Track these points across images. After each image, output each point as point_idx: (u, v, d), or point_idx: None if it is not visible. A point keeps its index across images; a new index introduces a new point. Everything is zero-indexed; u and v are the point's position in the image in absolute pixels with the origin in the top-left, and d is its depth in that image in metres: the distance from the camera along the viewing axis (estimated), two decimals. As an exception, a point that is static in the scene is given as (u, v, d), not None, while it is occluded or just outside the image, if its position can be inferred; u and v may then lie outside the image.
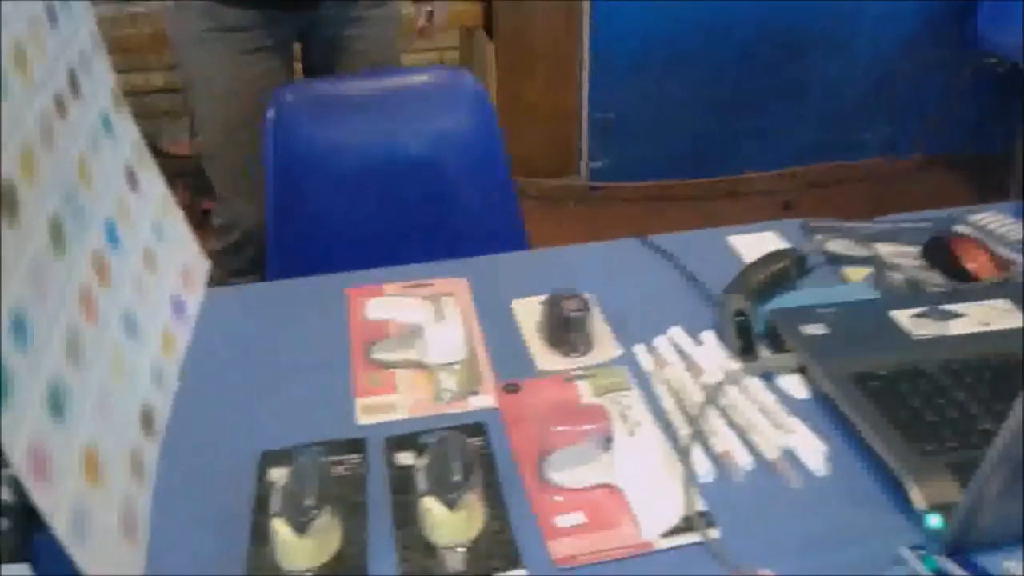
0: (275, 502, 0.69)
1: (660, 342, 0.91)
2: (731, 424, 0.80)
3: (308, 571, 0.67)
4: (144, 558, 0.68)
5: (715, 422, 0.80)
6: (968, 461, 0.71)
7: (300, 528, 0.66)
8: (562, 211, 2.77)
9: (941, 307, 0.91)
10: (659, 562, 0.69)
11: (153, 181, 0.95)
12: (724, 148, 2.84)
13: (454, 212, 1.37)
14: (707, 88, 2.74)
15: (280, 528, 0.67)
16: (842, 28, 2.70)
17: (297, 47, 1.64)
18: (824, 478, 0.76)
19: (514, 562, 0.68)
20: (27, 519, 0.65)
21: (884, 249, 1.06)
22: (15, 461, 0.54)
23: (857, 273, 1.02)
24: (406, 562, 0.68)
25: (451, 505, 0.68)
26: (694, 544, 0.69)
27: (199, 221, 1.41)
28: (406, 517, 0.71)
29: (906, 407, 0.78)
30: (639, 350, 0.91)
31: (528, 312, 0.96)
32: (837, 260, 1.05)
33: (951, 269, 1.00)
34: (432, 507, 0.69)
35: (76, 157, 0.75)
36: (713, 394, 0.82)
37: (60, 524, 0.57)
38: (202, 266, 1.03)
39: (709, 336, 0.91)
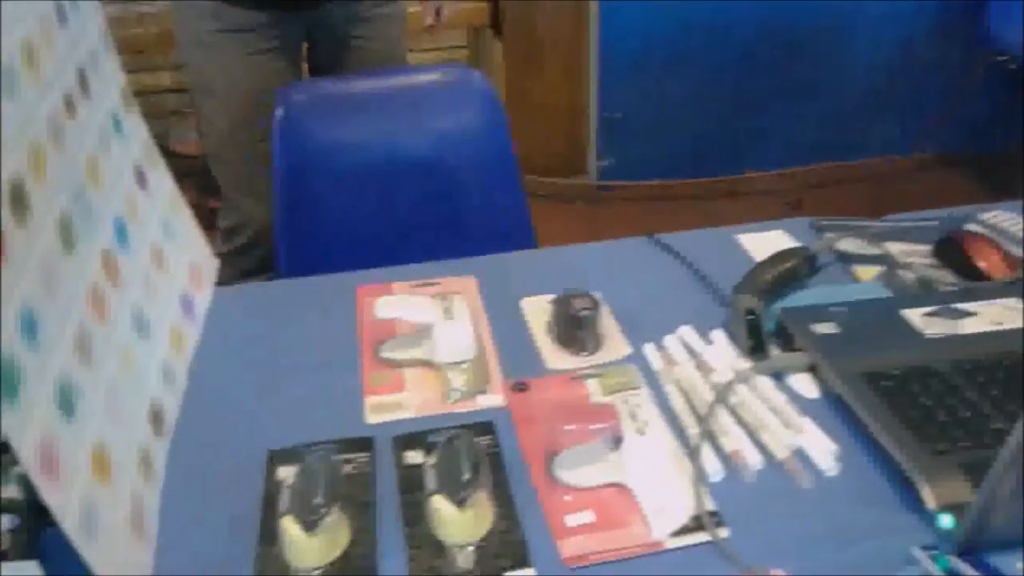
0: (284, 501, 0.70)
1: (670, 341, 0.91)
2: (741, 423, 0.80)
3: (316, 570, 0.67)
4: (152, 556, 0.68)
5: (725, 421, 0.80)
6: (980, 461, 0.70)
7: (309, 527, 0.66)
8: (570, 210, 2.77)
9: (953, 306, 0.91)
10: (668, 562, 0.68)
11: (162, 180, 0.95)
12: (731, 148, 2.83)
13: (462, 211, 1.37)
14: (714, 88, 2.73)
15: (289, 527, 0.67)
16: (850, 26, 2.69)
17: (303, 47, 1.64)
18: (834, 478, 0.75)
19: (523, 561, 0.67)
20: (36, 516, 0.65)
21: (895, 248, 1.05)
22: (25, 458, 0.54)
23: (868, 272, 1.02)
24: (415, 561, 0.68)
25: (460, 504, 0.68)
26: (703, 544, 0.69)
27: (207, 220, 1.41)
28: (415, 516, 0.71)
29: (917, 406, 0.77)
30: (648, 349, 0.90)
31: (537, 311, 0.96)
32: (847, 259, 1.05)
33: (962, 268, 1.00)
34: (441, 506, 0.68)
35: (85, 156, 0.75)
36: (723, 393, 0.82)
37: (69, 521, 0.57)
38: (211, 264, 1.03)
39: (719, 335, 0.91)
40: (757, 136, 2.81)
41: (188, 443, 0.79)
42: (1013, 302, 0.91)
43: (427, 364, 0.88)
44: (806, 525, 0.71)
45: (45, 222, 0.65)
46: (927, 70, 2.78)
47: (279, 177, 1.31)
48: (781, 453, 0.76)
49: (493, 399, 0.84)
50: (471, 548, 0.68)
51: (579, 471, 0.75)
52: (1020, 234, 1.05)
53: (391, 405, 0.84)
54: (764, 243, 1.06)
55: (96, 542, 0.59)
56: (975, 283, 0.97)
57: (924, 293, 0.97)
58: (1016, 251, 1.02)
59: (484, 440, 0.79)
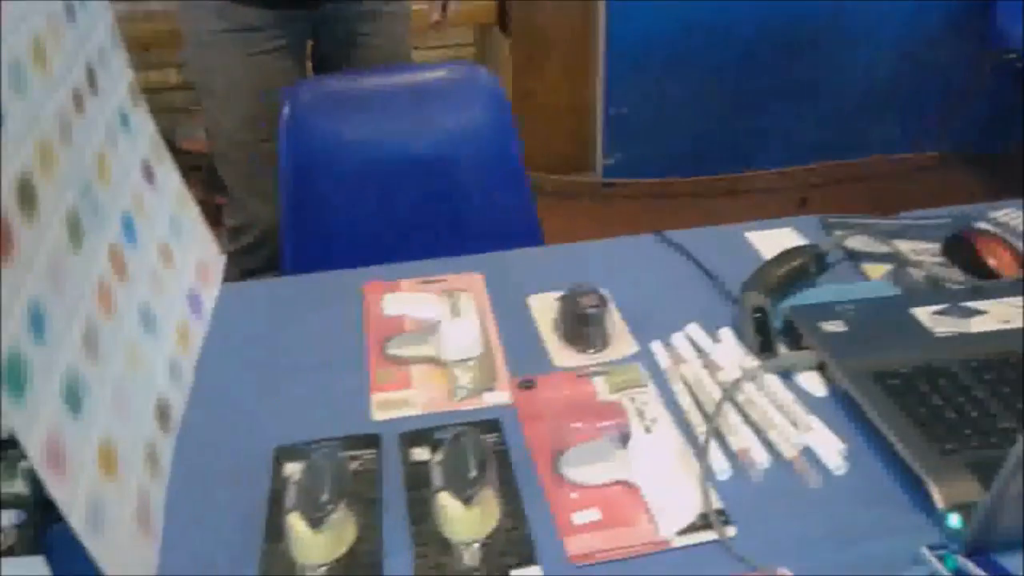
0: (290, 497, 0.69)
1: (677, 339, 0.90)
2: (748, 421, 0.80)
3: (323, 566, 0.67)
4: (158, 552, 0.68)
5: (732, 419, 0.79)
6: (989, 460, 0.70)
7: (315, 523, 0.66)
8: (575, 207, 2.77)
9: (962, 304, 0.90)
10: (675, 560, 0.68)
11: (169, 176, 0.95)
12: (735, 146, 2.82)
13: (469, 208, 1.36)
14: (719, 86, 2.72)
15: (295, 523, 0.67)
16: (854, 25, 2.68)
17: (307, 45, 1.64)
18: (842, 476, 0.75)
19: (529, 559, 0.67)
20: (42, 512, 0.65)
21: (904, 246, 1.05)
22: (32, 454, 0.54)
23: (876, 270, 1.01)
24: (421, 558, 0.68)
25: (466, 501, 0.68)
26: (710, 542, 0.69)
27: (214, 217, 1.41)
28: (421, 513, 0.71)
29: (926, 405, 0.77)
30: (656, 347, 0.90)
31: (544, 308, 0.96)
32: (856, 257, 1.04)
33: (971, 266, 0.99)
34: (447, 503, 0.68)
35: (93, 152, 0.75)
36: (730, 391, 0.82)
37: (76, 517, 0.57)
38: (218, 261, 1.03)
39: (726, 333, 0.91)
40: (761, 134, 2.81)
41: (194, 439, 0.79)
42: (1022, 300, 0.91)
43: (434, 361, 0.88)
44: (813, 524, 0.70)
45: (53, 218, 0.65)
46: (930, 69, 2.77)
47: (285, 175, 1.31)
48: (789, 452, 0.76)
49: (500, 396, 0.84)
50: (477, 545, 0.68)
51: (586, 469, 0.74)
52: (1029, 232, 1.05)
53: (398, 402, 0.84)
54: (772, 241, 1.05)
55: (103, 538, 0.59)
56: (984, 281, 0.97)
57: (933, 291, 0.96)
58: (1026, 249, 1.02)
59: (490, 437, 0.78)
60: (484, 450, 0.72)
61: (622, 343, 0.91)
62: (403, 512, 0.72)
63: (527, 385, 0.86)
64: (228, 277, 1.03)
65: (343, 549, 0.68)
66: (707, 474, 0.74)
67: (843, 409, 0.81)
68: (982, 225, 1.07)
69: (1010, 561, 0.65)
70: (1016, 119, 2.64)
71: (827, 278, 1.00)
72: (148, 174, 0.89)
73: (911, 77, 2.79)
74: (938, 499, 0.69)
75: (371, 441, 0.79)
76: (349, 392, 0.85)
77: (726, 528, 0.70)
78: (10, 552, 0.63)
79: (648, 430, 0.78)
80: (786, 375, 0.85)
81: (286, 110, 1.31)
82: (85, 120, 0.74)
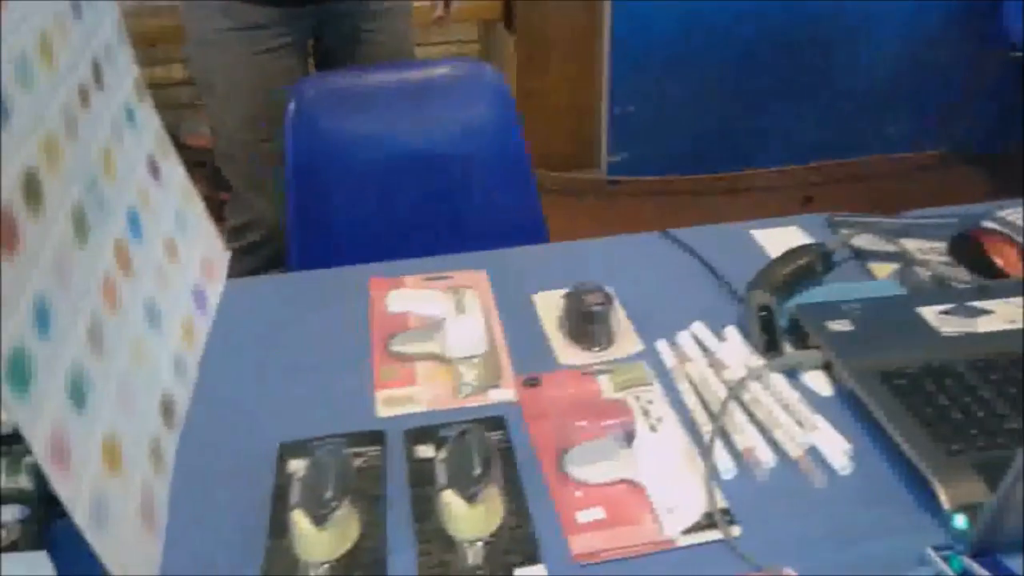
0: (294, 494, 0.69)
1: (682, 337, 0.90)
2: (754, 421, 0.79)
3: (326, 563, 0.67)
4: (162, 547, 0.68)
5: (738, 418, 0.79)
6: (995, 461, 0.70)
7: (319, 520, 0.66)
8: (580, 205, 2.76)
9: (969, 304, 0.90)
10: (680, 559, 0.68)
11: (175, 172, 0.95)
12: (741, 144, 2.82)
13: (474, 205, 1.36)
14: (725, 84, 2.72)
15: (299, 520, 0.66)
16: (858, 23, 2.68)
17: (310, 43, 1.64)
18: (847, 476, 0.75)
19: (533, 557, 0.67)
20: (46, 507, 0.65)
21: (911, 244, 1.04)
22: (37, 449, 0.54)
23: (883, 269, 1.01)
24: (425, 555, 0.67)
25: (470, 499, 0.68)
26: (715, 542, 0.69)
27: (218, 213, 1.41)
28: (425, 510, 0.71)
29: (932, 405, 0.77)
30: (661, 345, 0.90)
31: (549, 305, 0.96)
32: (863, 255, 1.04)
33: (978, 265, 0.99)
34: (452, 501, 0.68)
35: (99, 147, 0.75)
36: (736, 390, 0.81)
37: (80, 512, 0.57)
38: (223, 257, 1.03)
39: (732, 331, 0.90)
40: (764, 133, 2.80)
41: (198, 435, 0.79)
42: (1026, 301, 0.90)
43: (438, 358, 0.88)
44: (818, 524, 0.70)
45: (58, 213, 0.65)
46: (932, 68, 2.77)
47: (291, 171, 1.31)
48: (794, 451, 0.76)
49: (504, 394, 0.84)
50: (481, 544, 0.68)
51: (590, 467, 0.74)
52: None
53: (402, 399, 0.84)
54: (778, 239, 1.05)
55: (106, 533, 0.59)
56: (991, 281, 0.96)
57: (940, 291, 0.96)
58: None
59: (495, 435, 0.78)
60: (488, 448, 0.72)
61: (627, 341, 0.91)
62: (407, 509, 0.72)
63: (532, 383, 0.85)
64: (230, 275, 1.02)
65: (347, 546, 0.68)
66: (712, 473, 0.74)
67: (849, 409, 0.81)
68: (989, 224, 1.06)
69: (1015, 562, 0.65)
70: (1019, 119, 2.63)
71: (833, 277, 1.00)
72: (153, 169, 0.89)
73: (913, 77, 2.78)
74: (944, 500, 0.69)
75: (375, 438, 0.79)
76: (353, 389, 0.85)
77: (731, 527, 0.69)
78: (13, 547, 0.63)
79: (653, 429, 0.78)
80: (792, 374, 0.85)
81: (291, 106, 1.31)
82: (91, 115, 0.74)
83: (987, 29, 2.70)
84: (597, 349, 0.90)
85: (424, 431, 0.79)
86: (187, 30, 1.55)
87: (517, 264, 1.05)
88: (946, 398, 0.77)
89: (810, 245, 1.01)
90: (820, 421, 0.78)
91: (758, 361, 0.86)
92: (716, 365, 0.86)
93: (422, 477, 0.74)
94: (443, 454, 0.74)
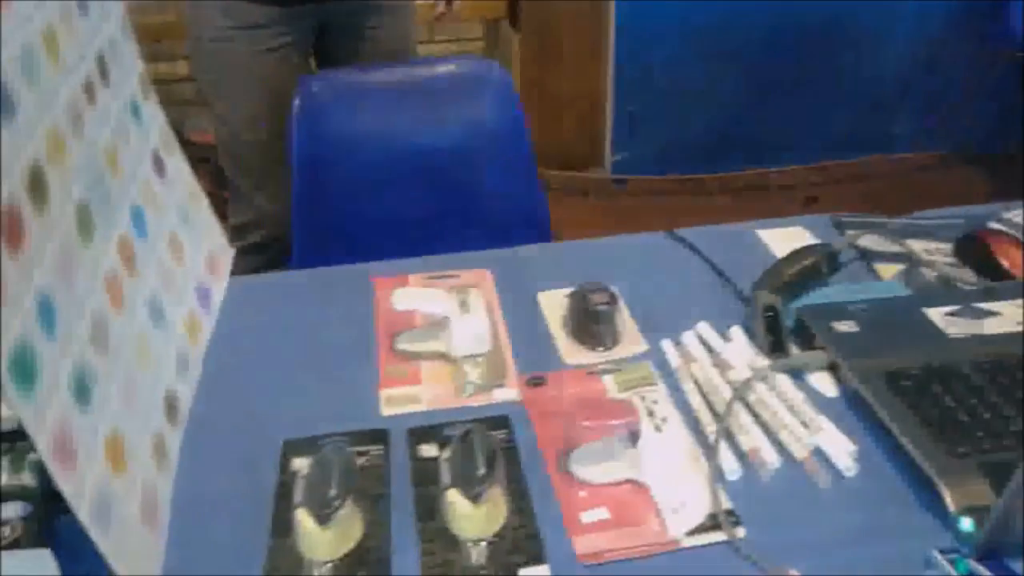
0: (298, 492, 0.69)
1: (687, 337, 0.90)
2: (759, 421, 0.79)
3: (329, 562, 0.67)
4: (164, 544, 0.68)
5: (743, 419, 0.79)
6: (1001, 463, 0.70)
7: (323, 519, 0.66)
8: (584, 203, 2.76)
9: (975, 305, 0.89)
10: (684, 560, 0.68)
11: (179, 168, 0.95)
12: (745, 144, 2.81)
13: (479, 202, 1.36)
14: (730, 84, 2.72)
15: (303, 518, 0.66)
16: (862, 24, 2.67)
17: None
18: (853, 478, 0.74)
19: (537, 557, 0.67)
20: (49, 504, 0.65)
21: (916, 245, 1.04)
22: (41, 446, 0.54)
23: (889, 270, 1.01)
24: (428, 555, 0.67)
25: (475, 499, 0.68)
26: (720, 543, 0.69)
27: (222, 210, 1.40)
28: (429, 510, 0.71)
29: (938, 407, 0.76)
30: (666, 345, 0.89)
31: (554, 305, 0.95)
32: (868, 256, 1.03)
33: (984, 266, 0.99)
34: (456, 500, 0.68)
35: (104, 143, 0.75)
36: (741, 391, 0.81)
37: (84, 509, 0.57)
38: (227, 254, 1.02)
39: (737, 332, 0.90)
40: (769, 133, 2.80)
41: (202, 433, 0.79)
42: (1027, 302, 0.90)
43: (443, 357, 0.88)
44: (823, 525, 0.70)
45: (63, 209, 0.65)
46: (938, 69, 2.76)
47: (296, 168, 1.31)
48: (799, 452, 0.75)
49: (509, 393, 0.84)
50: (485, 543, 0.68)
51: (595, 467, 0.74)
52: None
53: (406, 398, 0.84)
54: (784, 239, 1.05)
55: (110, 531, 0.59)
56: (997, 282, 0.96)
57: (946, 292, 0.95)
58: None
59: (499, 434, 0.78)
60: (493, 447, 0.72)
61: (632, 341, 0.91)
62: (410, 509, 0.72)
63: (536, 382, 0.85)
64: (231, 273, 1.02)
65: (350, 545, 0.68)
66: (717, 474, 0.74)
67: (854, 410, 0.81)
68: (995, 225, 1.06)
69: (1021, 566, 0.65)
70: (1019, 119, 2.63)
71: (839, 277, 1.00)
72: (158, 166, 0.88)
73: (917, 78, 2.78)
74: (950, 502, 0.68)
75: (379, 437, 0.79)
76: (358, 387, 0.85)
77: (736, 529, 0.69)
78: (16, 545, 0.63)
79: (658, 429, 0.78)
80: (797, 375, 0.85)
81: (297, 103, 1.30)
82: (96, 111, 0.74)
83: (989, 30, 2.69)
84: (602, 349, 0.89)
85: (428, 430, 0.79)
86: (189, 29, 1.54)
87: (522, 263, 1.05)
88: (952, 400, 0.77)
89: (816, 246, 1.00)
90: (825, 422, 0.78)
91: (763, 362, 0.85)
92: (721, 365, 0.85)
93: (426, 476, 0.74)
94: (447, 453, 0.73)
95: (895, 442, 0.75)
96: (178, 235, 0.89)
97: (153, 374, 0.76)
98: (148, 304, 0.77)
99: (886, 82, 2.78)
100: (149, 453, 0.70)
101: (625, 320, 0.93)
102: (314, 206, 1.32)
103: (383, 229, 1.33)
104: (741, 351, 0.87)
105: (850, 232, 1.07)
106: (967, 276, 0.98)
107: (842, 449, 0.76)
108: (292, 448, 0.77)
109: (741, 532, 0.69)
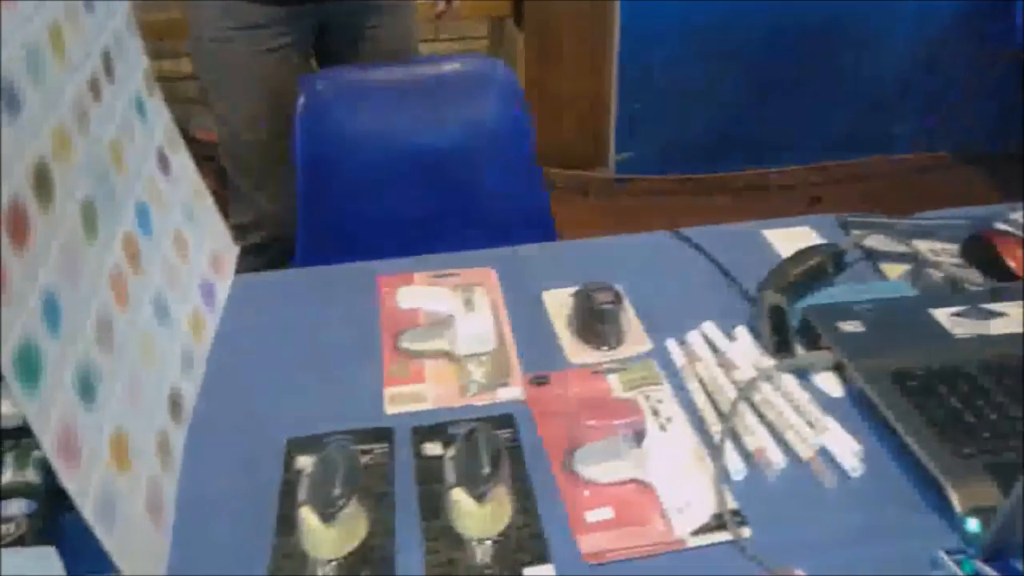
0: (302, 490, 0.69)
1: (692, 337, 0.90)
2: (764, 421, 0.79)
3: (334, 561, 0.66)
4: (169, 542, 0.68)
5: (748, 419, 0.79)
6: (1008, 464, 0.70)
7: (327, 518, 0.66)
8: (587, 203, 2.76)
9: (981, 306, 0.89)
10: (689, 560, 0.67)
11: (184, 165, 0.94)
12: (747, 144, 2.81)
13: (483, 201, 1.36)
14: (736, 81, 2.72)
15: (307, 517, 0.66)
16: (870, 25, 2.67)
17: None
18: (858, 478, 0.74)
19: (542, 557, 0.67)
20: (53, 502, 0.65)
21: (922, 245, 1.04)
22: (46, 443, 0.54)
23: (894, 270, 1.00)
24: (432, 553, 0.67)
25: (479, 498, 0.67)
26: (725, 543, 0.68)
27: (226, 208, 1.40)
28: (433, 508, 0.71)
29: (944, 407, 0.76)
30: (671, 344, 0.89)
31: (558, 304, 0.95)
32: (874, 256, 1.03)
33: (990, 267, 0.98)
34: (461, 499, 0.68)
35: (109, 140, 0.75)
36: (746, 390, 0.81)
37: (88, 507, 0.57)
38: (231, 251, 1.02)
39: (742, 331, 0.90)
40: (772, 133, 2.80)
41: (207, 430, 0.79)
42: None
43: (447, 355, 0.88)
44: (829, 525, 0.70)
45: (69, 206, 0.65)
46: (939, 69, 2.76)
47: (300, 167, 1.31)
48: (805, 452, 0.75)
49: (513, 392, 0.84)
50: (489, 542, 0.68)
51: (599, 467, 0.74)
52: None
53: (410, 396, 0.83)
54: (789, 239, 1.04)
55: (114, 529, 0.59)
56: (1004, 283, 0.96)
57: (952, 292, 0.95)
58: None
59: (504, 433, 0.78)
60: (497, 446, 0.72)
61: (636, 340, 0.90)
62: (414, 507, 0.71)
63: (541, 381, 0.85)
64: (237, 271, 1.02)
65: (355, 544, 0.68)
66: (722, 474, 0.73)
67: (860, 410, 0.80)
68: (1001, 226, 1.06)
69: (1029, 567, 0.65)
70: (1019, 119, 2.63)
71: (845, 277, 0.99)
72: (163, 163, 0.88)
73: (918, 78, 2.78)
74: (956, 503, 0.68)
75: (383, 435, 0.78)
76: (362, 385, 0.85)
77: (741, 529, 0.69)
78: (20, 542, 0.63)
79: (663, 428, 0.78)
80: (802, 375, 0.85)
81: (301, 101, 1.30)
82: (101, 108, 0.74)
83: (989, 30, 2.69)
84: (606, 348, 0.89)
85: (432, 429, 0.79)
86: (189, 29, 1.54)
87: (526, 262, 1.05)
88: (958, 400, 0.77)
89: (822, 245, 1.00)
90: (831, 422, 0.78)
91: (768, 362, 0.85)
92: (726, 365, 0.85)
93: (430, 475, 0.74)
94: (452, 452, 0.73)
95: (901, 442, 0.75)
96: (183, 233, 0.89)
97: (157, 372, 0.75)
98: (153, 302, 0.77)
99: (886, 82, 2.78)
100: (153, 451, 0.70)
101: (630, 319, 0.92)
102: (318, 205, 1.32)
103: (388, 228, 1.33)
104: (746, 351, 0.87)
105: (856, 232, 1.06)
106: (973, 277, 0.98)
107: (848, 449, 0.75)
108: (296, 446, 0.77)
109: (746, 532, 0.69)
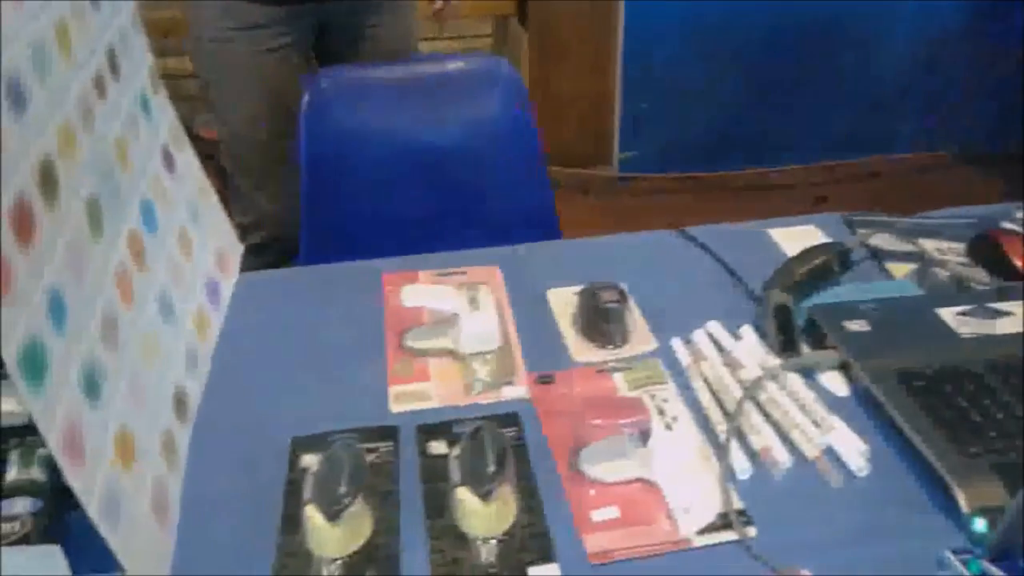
0: (307, 489, 0.69)
1: (697, 335, 0.90)
2: (770, 421, 0.79)
3: (339, 559, 0.66)
4: (174, 541, 0.68)
5: (753, 418, 0.79)
6: (1014, 464, 0.70)
7: (332, 516, 0.66)
8: (591, 201, 2.76)
9: (988, 305, 0.89)
10: (695, 560, 0.67)
11: (189, 163, 0.94)
12: (750, 143, 2.81)
13: (487, 200, 1.36)
14: (738, 81, 2.71)
15: (312, 515, 0.66)
16: (873, 24, 2.67)
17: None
18: (864, 478, 0.74)
19: (547, 556, 0.67)
20: (59, 500, 0.65)
21: (929, 245, 1.03)
22: (51, 441, 0.54)
23: (900, 269, 1.00)
24: (437, 552, 0.67)
25: (484, 497, 0.67)
26: (731, 542, 0.68)
27: (231, 208, 1.40)
28: (438, 507, 0.71)
29: (950, 407, 0.76)
30: (676, 343, 0.89)
31: (563, 302, 0.95)
32: (880, 255, 1.03)
33: (997, 266, 0.98)
34: (466, 498, 0.68)
35: (114, 138, 0.75)
36: (752, 390, 0.81)
37: (93, 505, 0.57)
38: (236, 249, 1.02)
39: (748, 331, 0.90)
40: (776, 132, 2.79)
41: (211, 429, 0.79)
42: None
43: (452, 354, 0.88)
44: (835, 525, 0.70)
45: (74, 204, 0.64)
46: (942, 68, 2.75)
47: (305, 165, 1.31)
48: (811, 452, 0.75)
49: (518, 391, 0.84)
50: (494, 541, 0.68)
51: (605, 466, 0.74)
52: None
53: (415, 395, 0.83)
54: (795, 238, 1.04)
55: (119, 527, 0.59)
56: (1010, 282, 0.96)
57: (958, 291, 0.95)
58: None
59: (508, 432, 0.78)
60: (503, 445, 0.72)
61: (642, 339, 0.90)
62: (419, 506, 0.71)
63: (545, 380, 0.85)
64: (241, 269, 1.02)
65: (360, 542, 0.68)
66: (728, 473, 0.73)
67: (866, 409, 0.80)
68: (1008, 225, 1.06)
69: (1036, 567, 0.65)
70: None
71: (850, 277, 0.99)
72: (168, 160, 0.88)
73: (916, 77, 2.77)
74: (963, 503, 0.68)
75: (388, 433, 0.78)
76: (367, 384, 0.85)
77: (747, 528, 0.69)
78: (26, 540, 0.63)
79: (668, 427, 0.78)
80: (808, 374, 0.84)
81: (306, 100, 1.30)
82: (107, 105, 0.74)
83: (990, 29, 2.69)
84: (611, 347, 0.89)
85: (437, 427, 0.79)
86: (189, 29, 1.54)
87: (531, 260, 1.05)
88: (964, 400, 0.77)
89: (828, 244, 1.00)
90: (837, 422, 0.78)
91: (774, 361, 0.85)
92: (732, 364, 0.85)
93: (435, 473, 0.74)
94: (457, 451, 0.73)
95: (907, 442, 0.74)
96: (187, 230, 0.89)
97: (162, 370, 0.75)
98: (158, 299, 0.77)
99: (886, 82, 2.77)
100: (158, 450, 0.70)
101: (635, 318, 0.92)
102: (322, 204, 1.32)
103: (392, 227, 1.33)
104: (752, 350, 0.87)
105: (862, 231, 1.06)
106: (979, 276, 0.98)
107: (854, 449, 0.75)
108: (301, 445, 0.76)
109: (752, 531, 0.69)
